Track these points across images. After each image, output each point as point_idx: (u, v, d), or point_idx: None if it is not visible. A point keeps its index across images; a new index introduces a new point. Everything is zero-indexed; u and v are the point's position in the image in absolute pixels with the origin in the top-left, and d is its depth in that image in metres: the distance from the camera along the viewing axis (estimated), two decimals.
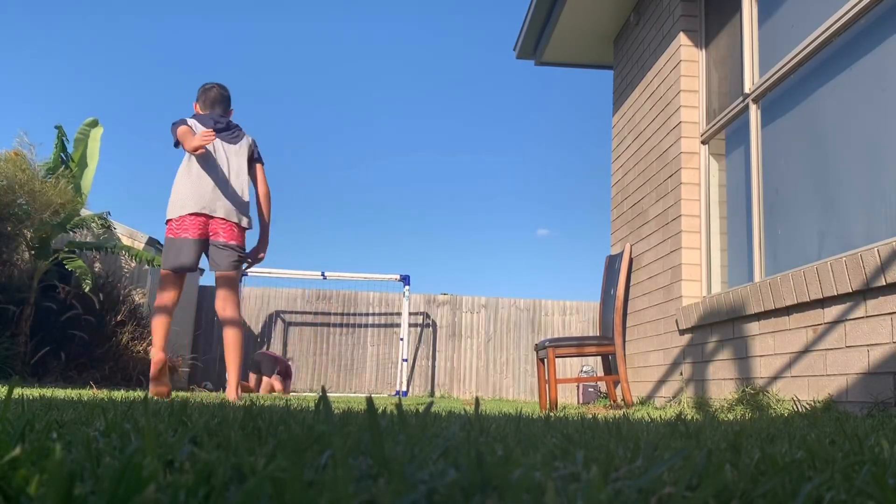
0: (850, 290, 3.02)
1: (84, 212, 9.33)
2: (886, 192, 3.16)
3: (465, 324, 12.81)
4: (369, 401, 0.81)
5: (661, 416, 2.73)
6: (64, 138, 9.32)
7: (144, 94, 25.36)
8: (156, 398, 3.24)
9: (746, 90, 4.44)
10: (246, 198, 4.47)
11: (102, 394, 3.80)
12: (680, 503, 0.61)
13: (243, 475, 0.66)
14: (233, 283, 4.46)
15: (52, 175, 8.84)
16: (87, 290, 8.40)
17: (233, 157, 4.46)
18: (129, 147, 24.71)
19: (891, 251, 2.78)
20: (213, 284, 14.31)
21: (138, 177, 25.70)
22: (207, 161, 4.36)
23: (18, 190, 8.18)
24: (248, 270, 11.83)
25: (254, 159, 4.58)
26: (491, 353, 12.72)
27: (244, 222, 4.45)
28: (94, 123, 9.66)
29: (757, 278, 4.13)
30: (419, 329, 12.69)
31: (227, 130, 4.51)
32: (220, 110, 4.60)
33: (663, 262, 5.12)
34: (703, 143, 4.95)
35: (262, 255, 4.66)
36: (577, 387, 11.10)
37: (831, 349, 3.19)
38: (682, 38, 5.12)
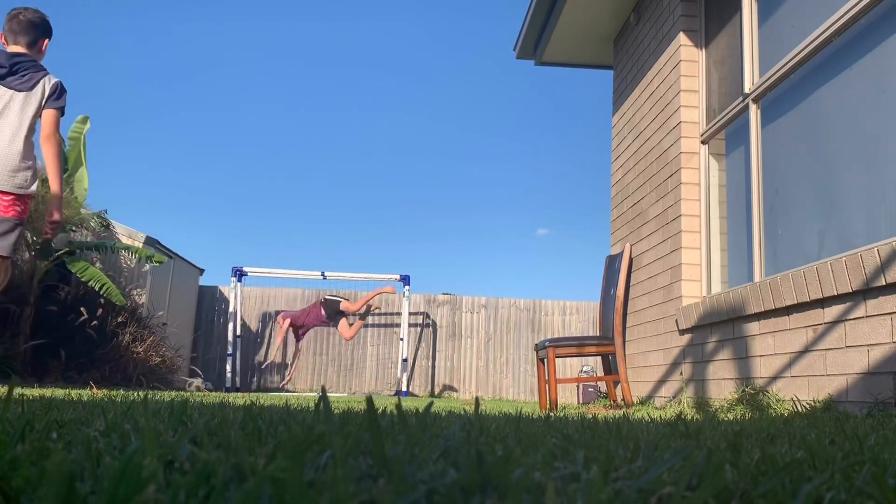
0: (850, 290, 3.02)
1: (83, 210, 9.34)
2: (886, 191, 3.16)
3: (465, 324, 12.81)
4: (369, 401, 0.81)
5: (661, 416, 2.73)
6: (62, 144, 9.32)
7: (141, 91, 25.36)
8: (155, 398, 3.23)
9: (746, 90, 4.44)
10: (28, 159, 3.67)
11: (102, 394, 3.80)
12: (680, 503, 0.61)
13: (243, 475, 0.66)
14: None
15: None
16: (121, 302, 8.51)
17: (17, 110, 3.65)
18: (125, 145, 24.71)
19: (891, 251, 2.78)
20: (214, 285, 14.11)
21: (136, 175, 25.70)
22: None
23: None
24: (248, 270, 11.85)
25: (43, 106, 3.73)
26: (491, 353, 12.72)
27: (22, 188, 3.64)
28: (85, 120, 9.66)
29: (757, 278, 4.13)
30: (419, 329, 12.70)
31: (15, 75, 3.66)
32: (25, 41, 3.76)
33: (663, 261, 5.12)
34: (703, 142, 4.95)
35: (53, 218, 3.83)
36: (577, 387, 11.10)
37: (831, 349, 3.19)
38: (682, 38, 5.12)
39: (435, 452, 0.81)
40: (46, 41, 3.90)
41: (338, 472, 0.55)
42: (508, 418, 1.95)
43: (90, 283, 8.48)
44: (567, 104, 29.14)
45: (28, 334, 8.42)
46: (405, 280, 12.08)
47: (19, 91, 3.66)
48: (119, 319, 9.14)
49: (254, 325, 12.60)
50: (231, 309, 11.80)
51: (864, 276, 2.93)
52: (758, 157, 4.29)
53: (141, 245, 10.10)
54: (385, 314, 12.77)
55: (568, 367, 11.78)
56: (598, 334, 5.84)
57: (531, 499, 0.59)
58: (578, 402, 9.76)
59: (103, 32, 25.42)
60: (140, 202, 24.47)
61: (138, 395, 3.50)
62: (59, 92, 3.77)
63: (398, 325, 12.43)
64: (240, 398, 3.95)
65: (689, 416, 2.85)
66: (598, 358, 7.84)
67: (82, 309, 8.73)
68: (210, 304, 12.58)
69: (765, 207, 4.20)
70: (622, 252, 5.71)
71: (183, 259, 11.77)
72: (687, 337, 4.72)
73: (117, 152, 22.46)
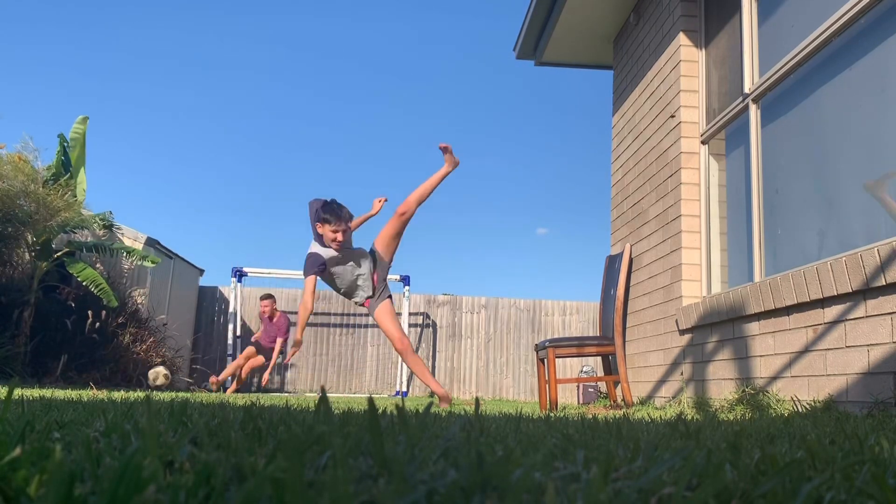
0: (850, 290, 3.02)
1: (84, 212, 9.34)
2: (886, 191, 3.16)
3: (465, 324, 12.81)
4: (370, 401, 0.81)
5: (661, 416, 2.73)
6: (66, 145, 9.34)
7: (141, 91, 25.37)
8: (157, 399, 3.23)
9: (746, 90, 4.43)
10: None
11: (102, 394, 3.80)
12: (680, 503, 0.61)
13: (243, 476, 0.66)
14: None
15: (54, 182, 8.83)
16: (113, 304, 8.45)
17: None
18: (126, 146, 24.71)
19: (890, 251, 2.78)
20: (214, 285, 14.10)
21: (136, 176, 25.70)
22: None
23: (25, 198, 8.20)
24: (248, 271, 11.86)
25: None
26: (491, 353, 12.72)
27: None
28: (84, 121, 9.67)
29: (757, 278, 4.13)
30: (419, 329, 12.69)
31: None
32: None
33: (663, 262, 5.12)
34: (703, 143, 4.95)
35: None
36: (578, 387, 11.10)
37: (831, 349, 3.19)
38: (682, 38, 5.12)
39: (435, 453, 0.81)
40: (318, 225, 5.07)
41: (338, 472, 0.55)
42: (508, 418, 1.95)
43: (86, 283, 8.49)
44: (567, 104, 29.14)
45: (28, 335, 8.42)
46: (405, 280, 12.08)
47: None
48: (119, 320, 9.14)
49: (254, 325, 12.60)
50: (231, 309, 11.80)
51: (864, 276, 2.93)
52: (758, 157, 4.29)
53: (142, 245, 10.10)
54: None
55: (568, 367, 11.78)
56: (598, 334, 5.84)
57: (531, 499, 0.59)
58: (578, 403, 9.76)
59: (105, 32, 25.42)
60: (141, 203, 24.47)
61: (139, 395, 3.50)
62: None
63: None
64: (240, 398, 3.94)
65: (689, 417, 2.85)
66: (599, 358, 7.84)
67: (84, 310, 8.73)
68: (210, 305, 12.58)
69: (765, 207, 4.20)
70: (622, 252, 5.71)
71: (183, 259, 11.77)
72: (687, 337, 4.72)
73: (119, 153, 22.47)
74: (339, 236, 5.03)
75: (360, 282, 5.28)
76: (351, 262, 5.24)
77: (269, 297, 10.27)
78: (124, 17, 26.27)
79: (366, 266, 5.28)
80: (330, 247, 5.07)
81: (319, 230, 5.08)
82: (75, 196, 9.17)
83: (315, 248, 5.14)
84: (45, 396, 2.85)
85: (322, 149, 25.84)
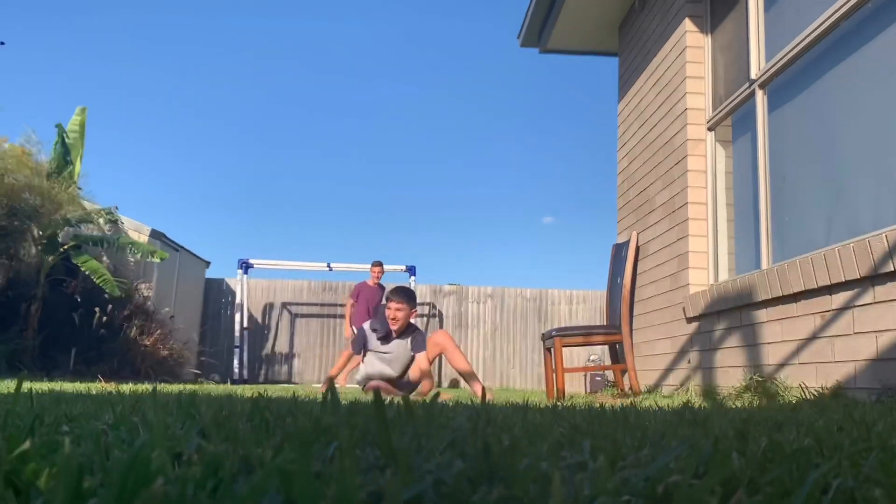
0: (858, 276, 3.01)
1: (89, 205, 9.36)
2: (894, 177, 3.14)
3: (471, 314, 12.82)
4: (376, 392, 0.81)
5: (668, 405, 2.73)
6: (64, 135, 9.36)
7: (146, 85, 25.38)
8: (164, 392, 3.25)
9: (753, 76, 4.40)
10: None
11: (111, 387, 3.82)
12: (687, 492, 0.61)
13: (251, 467, 0.67)
14: None
15: (57, 175, 8.86)
16: (116, 294, 8.48)
17: None
18: (131, 138, 24.75)
19: None
20: (220, 277, 14.10)
21: (143, 168, 25.76)
22: None
23: (30, 192, 8.25)
24: (254, 262, 11.88)
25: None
26: (498, 343, 12.73)
27: None
28: (83, 111, 9.70)
29: (764, 265, 4.12)
30: (426, 319, 12.71)
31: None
32: None
33: (670, 249, 5.10)
34: (710, 129, 4.92)
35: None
36: (585, 376, 11.10)
37: (839, 335, 3.18)
38: (688, 24, 5.08)
39: (442, 443, 0.81)
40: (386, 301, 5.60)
41: (345, 463, 0.55)
42: (515, 408, 1.95)
43: (89, 273, 8.52)
44: (572, 91, 29.04)
45: (36, 329, 8.46)
46: (411, 270, 12.08)
47: None
48: (126, 313, 9.18)
49: (260, 316, 12.64)
50: (238, 301, 11.83)
51: (872, 262, 2.91)
52: (764, 144, 4.26)
53: (147, 238, 10.12)
54: None
55: (575, 356, 11.78)
56: (605, 323, 5.83)
57: (538, 488, 0.59)
58: (586, 392, 9.76)
59: (112, 26, 25.41)
60: (146, 195, 24.54)
61: (146, 388, 3.52)
62: None
63: None
64: (248, 390, 3.97)
65: (696, 405, 2.85)
66: (606, 347, 7.83)
67: (91, 304, 8.77)
68: (217, 297, 12.62)
69: (772, 194, 4.18)
70: (629, 240, 5.70)
71: (189, 252, 11.80)
72: (694, 325, 4.71)
73: (124, 145, 22.52)
74: (397, 314, 5.43)
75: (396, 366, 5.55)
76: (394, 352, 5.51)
77: (380, 263, 10.42)
78: (130, 3, 26.25)
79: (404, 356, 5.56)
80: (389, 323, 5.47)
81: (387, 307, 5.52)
82: (79, 188, 9.21)
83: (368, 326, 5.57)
84: (54, 390, 2.87)
85: (326, 139, 25.83)
